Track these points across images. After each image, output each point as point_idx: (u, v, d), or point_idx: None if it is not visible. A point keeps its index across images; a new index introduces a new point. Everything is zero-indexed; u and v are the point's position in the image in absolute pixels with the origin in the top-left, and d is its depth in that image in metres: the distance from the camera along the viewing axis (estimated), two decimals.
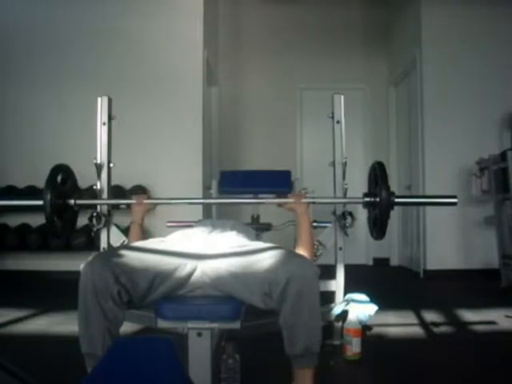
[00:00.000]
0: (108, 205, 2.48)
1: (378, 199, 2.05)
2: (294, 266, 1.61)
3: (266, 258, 1.68)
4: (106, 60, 5.12)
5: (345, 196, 2.50)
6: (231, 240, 1.88)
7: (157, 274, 1.68)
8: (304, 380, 1.67)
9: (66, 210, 2.17)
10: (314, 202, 2.22)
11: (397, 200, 2.07)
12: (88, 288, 1.56)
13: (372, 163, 2.21)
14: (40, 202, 2.04)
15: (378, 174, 2.09)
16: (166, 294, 1.72)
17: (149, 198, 2.31)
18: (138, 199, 2.24)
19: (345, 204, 2.48)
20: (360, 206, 2.23)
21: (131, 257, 1.68)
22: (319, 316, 1.68)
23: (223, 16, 6.48)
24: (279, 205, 2.25)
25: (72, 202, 2.18)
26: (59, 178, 2.14)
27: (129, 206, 2.37)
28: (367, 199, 2.18)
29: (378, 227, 2.11)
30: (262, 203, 2.53)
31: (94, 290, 1.55)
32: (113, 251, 1.77)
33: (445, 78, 5.21)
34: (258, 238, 2.37)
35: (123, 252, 1.70)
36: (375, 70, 6.53)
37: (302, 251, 2.01)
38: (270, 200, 2.42)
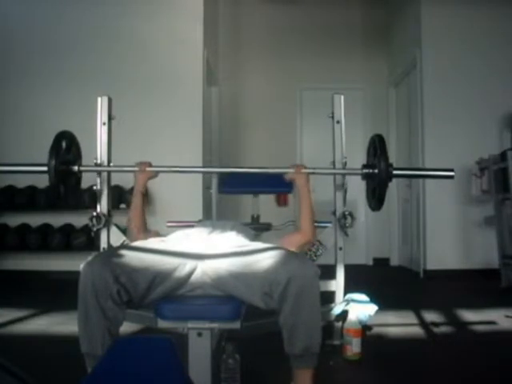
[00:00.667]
0: (109, 172, 2.52)
1: (376, 170, 2.09)
2: (295, 266, 1.61)
3: (267, 258, 1.68)
4: (106, 60, 5.12)
5: (345, 194, 2.50)
6: (231, 240, 1.88)
7: (157, 274, 1.68)
8: (303, 380, 1.67)
9: (69, 176, 2.22)
10: (313, 173, 2.25)
11: (395, 172, 2.13)
12: (88, 288, 1.56)
13: (371, 136, 2.26)
14: (44, 168, 2.07)
15: (377, 146, 2.12)
16: (165, 293, 1.72)
17: (151, 166, 2.35)
18: (141, 167, 2.30)
19: (344, 176, 2.49)
20: (360, 207, 2.25)
21: (131, 256, 1.68)
22: (319, 316, 1.67)
23: (223, 16, 6.48)
24: (279, 201, 2.26)
25: (76, 168, 2.23)
26: (64, 145, 2.17)
27: (128, 206, 2.37)
28: (366, 170, 2.22)
29: (377, 198, 2.16)
30: (265, 173, 2.56)
31: (94, 289, 1.55)
32: (112, 251, 1.77)
33: (445, 78, 5.21)
34: (257, 237, 2.37)
35: (123, 252, 1.70)
36: (375, 70, 6.53)
37: (303, 223, 2.09)
38: (271, 170, 2.47)
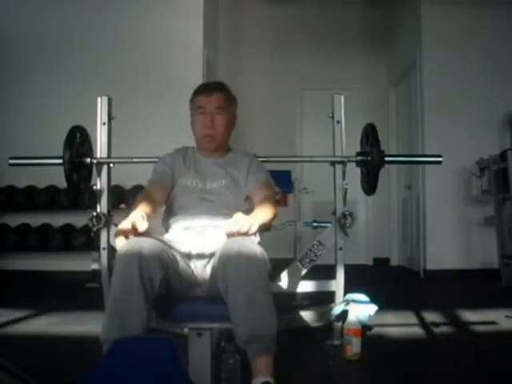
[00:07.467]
0: (117, 163, 2.53)
1: (369, 157, 2.25)
2: (234, 244, 1.54)
3: (234, 243, 1.57)
4: (106, 60, 5.12)
5: (345, 194, 2.49)
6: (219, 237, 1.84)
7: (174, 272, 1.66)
8: (259, 370, 1.47)
9: (82, 167, 2.35)
10: (311, 161, 2.52)
11: (387, 158, 2.30)
12: (134, 269, 1.47)
13: (364, 126, 2.38)
14: (59, 161, 2.20)
15: (369, 134, 2.26)
16: (169, 294, 1.69)
17: None
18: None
19: (344, 167, 2.45)
20: (360, 207, 2.25)
21: (168, 251, 1.64)
22: (264, 296, 1.51)
23: (223, 16, 6.48)
24: (279, 201, 2.23)
25: (88, 160, 2.36)
26: (77, 138, 2.27)
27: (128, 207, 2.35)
28: (360, 157, 2.38)
29: (371, 184, 2.31)
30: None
31: (140, 273, 1.47)
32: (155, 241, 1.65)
33: (445, 77, 5.21)
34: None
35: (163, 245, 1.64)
36: (375, 70, 6.53)
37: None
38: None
